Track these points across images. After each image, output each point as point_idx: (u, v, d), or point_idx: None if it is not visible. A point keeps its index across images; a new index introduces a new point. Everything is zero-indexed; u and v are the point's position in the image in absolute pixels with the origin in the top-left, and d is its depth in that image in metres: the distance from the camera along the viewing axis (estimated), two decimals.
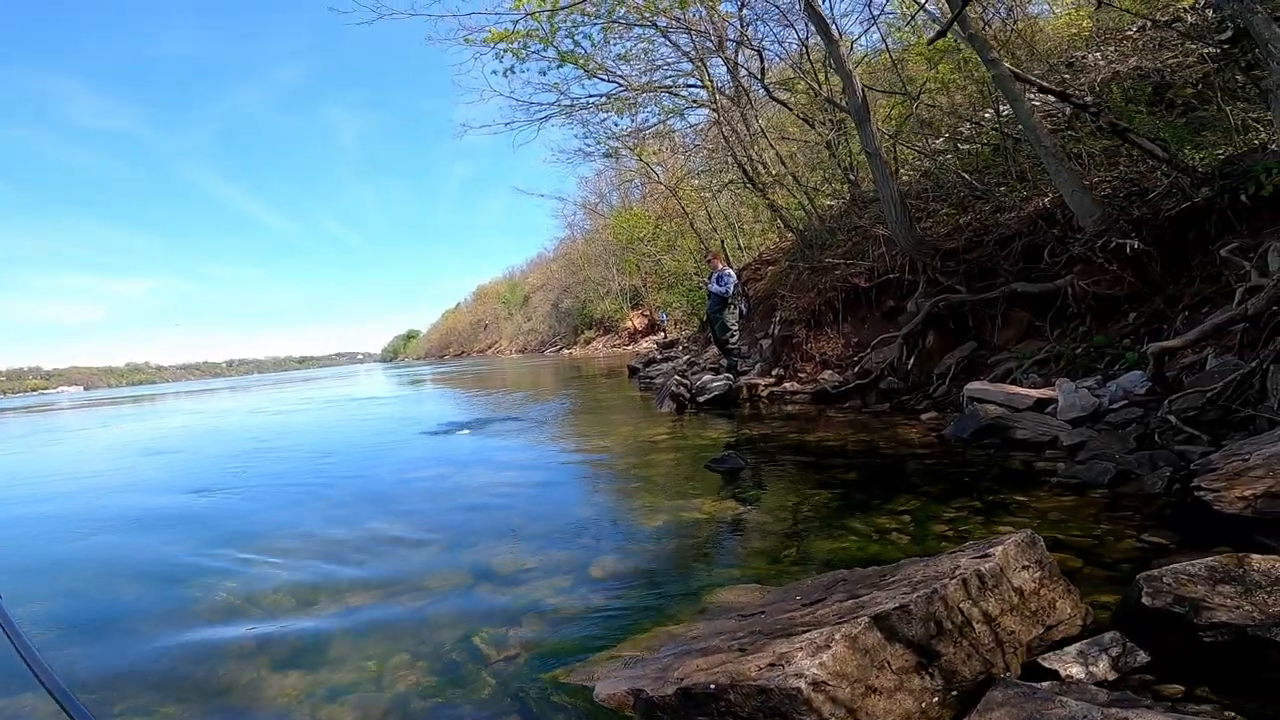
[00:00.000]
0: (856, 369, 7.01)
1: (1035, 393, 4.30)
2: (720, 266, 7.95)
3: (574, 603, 2.29)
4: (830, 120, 10.11)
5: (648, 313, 40.91)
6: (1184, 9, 8.22)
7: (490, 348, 72.54)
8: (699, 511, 3.32)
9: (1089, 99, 5.43)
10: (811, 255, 8.68)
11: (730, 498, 3.51)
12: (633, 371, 14.20)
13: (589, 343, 45.84)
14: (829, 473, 3.82)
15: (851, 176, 10.08)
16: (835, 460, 4.12)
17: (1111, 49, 8.85)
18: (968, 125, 8.05)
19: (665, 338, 25.58)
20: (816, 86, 9.05)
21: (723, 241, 13.49)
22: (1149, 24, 8.97)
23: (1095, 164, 5.52)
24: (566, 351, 45.43)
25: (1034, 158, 6.32)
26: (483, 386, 16.28)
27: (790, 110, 10.16)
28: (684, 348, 15.80)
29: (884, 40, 8.60)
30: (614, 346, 40.86)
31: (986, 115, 8.12)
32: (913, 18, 8.16)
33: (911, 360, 6.15)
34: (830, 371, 7.34)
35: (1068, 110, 6.34)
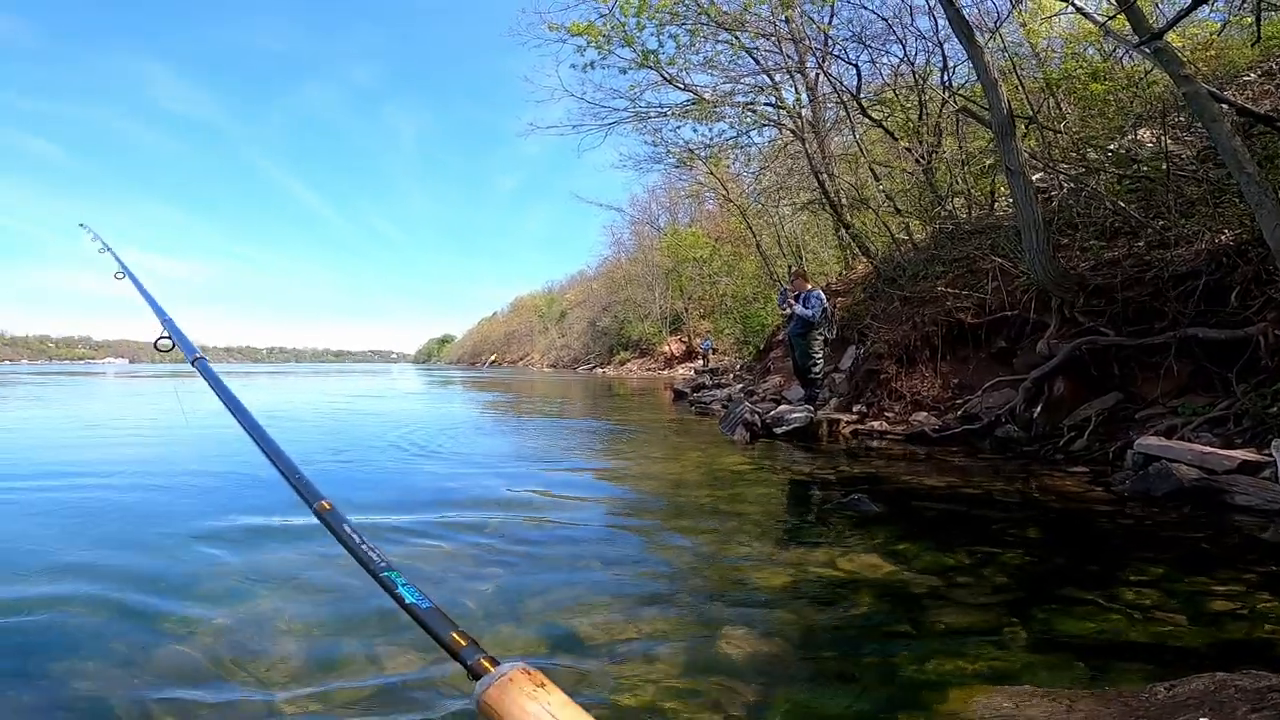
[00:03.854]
0: (959, 413, 6.15)
1: (1240, 454, 3.43)
2: (808, 287, 7.16)
3: (716, 701, 1.52)
4: (925, 143, 9.39)
5: (686, 339, 40.09)
6: None
7: (522, 359, 72.31)
8: (835, 568, 2.53)
9: None
10: (905, 285, 7.86)
11: (869, 550, 2.71)
12: (679, 395, 13.54)
13: (623, 363, 45.00)
14: (995, 527, 3.00)
15: (948, 207, 9.28)
16: (990, 512, 3.29)
17: (1232, 92, 8.02)
18: (1094, 152, 7.22)
19: (705, 365, 24.71)
20: (934, 101, 8.32)
21: (789, 267, 12.76)
22: (1275, 67, 8.16)
23: None
24: (600, 370, 44.73)
25: (1195, 190, 5.49)
26: (521, 394, 15.67)
27: (886, 131, 9.45)
28: (736, 375, 14.98)
29: (1005, 54, 7.84)
30: (648, 370, 39.99)
31: (1113, 144, 7.31)
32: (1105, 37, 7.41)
33: (1038, 408, 5.28)
34: (925, 413, 6.47)
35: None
